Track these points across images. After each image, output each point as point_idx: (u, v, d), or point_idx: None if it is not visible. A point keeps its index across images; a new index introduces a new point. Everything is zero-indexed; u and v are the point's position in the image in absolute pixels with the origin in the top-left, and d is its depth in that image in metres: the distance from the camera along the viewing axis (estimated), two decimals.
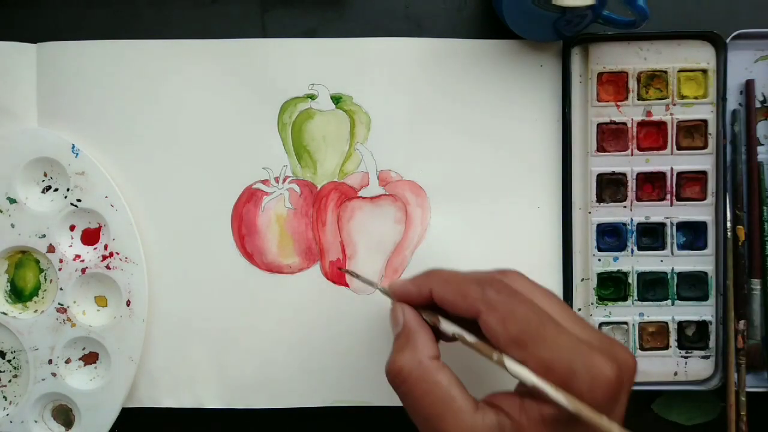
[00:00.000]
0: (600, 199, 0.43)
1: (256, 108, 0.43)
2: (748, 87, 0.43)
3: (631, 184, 0.43)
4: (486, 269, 0.36)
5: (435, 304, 0.35)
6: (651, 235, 0.43)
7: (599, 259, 0.43)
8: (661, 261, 0.43)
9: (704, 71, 0.42)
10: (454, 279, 0.34)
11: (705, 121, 0.42)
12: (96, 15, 0.44)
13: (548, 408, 0.30)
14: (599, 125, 0.43)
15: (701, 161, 0.43)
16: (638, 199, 0.43)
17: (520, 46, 0.43)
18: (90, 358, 0.44)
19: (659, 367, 0.43)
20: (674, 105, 0.43)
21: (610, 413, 0.30)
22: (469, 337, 0.33)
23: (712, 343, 0.43)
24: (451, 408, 0.31)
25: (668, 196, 0.43)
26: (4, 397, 0.44)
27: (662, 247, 0.43)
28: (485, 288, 0.33)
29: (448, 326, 0.34)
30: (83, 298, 0.43)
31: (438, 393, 0.32)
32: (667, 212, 0.43)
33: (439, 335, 0.35)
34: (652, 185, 0.43)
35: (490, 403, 0.32)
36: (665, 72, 0.42)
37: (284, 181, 0.44)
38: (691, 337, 0.43)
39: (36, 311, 0.43)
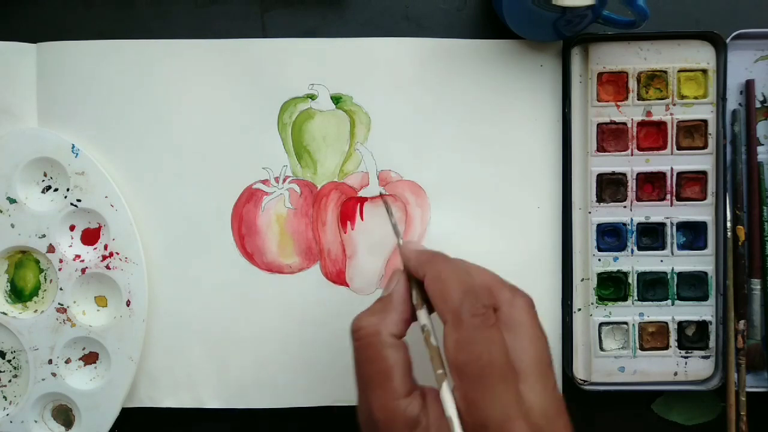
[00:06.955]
0: (600, 199, 0.43)
1: (256, 108, 0.43)
2: (748, 87, 0.43)
3: (631, 184, 0.43)
4: (501, 278, 0.35)
5: None
6: (651, 235, 0.43)
7: (599, 259, 0.43)
8: (661, 261, 0.43)
9: (704, 71, 0.42)
10: (447, 277, 0.33)
11: (705, 121, 0.42)
12: (96, 15, 0.44)
13: None
14: (599, 125, 0.43)
15: (701, 161, 0.43)
16: (638, 199, 0.43)
17: (520, 46, 0.43)
18: (90, 358, 0.44)
19: (659, 367, 0.43)
20: (674, 105, 0.43)
21: None
22: (433, 341, 0.34)
23: (712, 343, 0.43)
24: (384, 384, 0.32)
25: (668, 196, 0.43)
26: (4, 397, 0.44)
27: (662, 247, 0.43)
28: (465, 301, 0.32)
29: (422, 319, 0.35)
30: (83, 298, 0.43)
31: (379, 366, 0.33)
32: (667, 212, 0.43)
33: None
34: (652, 185, 0.43)
35: (424, 393, 0.33)
36: (665, 72, 0.42)
37: (284, 181, 0.44)
38: (691, 337, 0.43)
39: (36, 311, 0.43)
